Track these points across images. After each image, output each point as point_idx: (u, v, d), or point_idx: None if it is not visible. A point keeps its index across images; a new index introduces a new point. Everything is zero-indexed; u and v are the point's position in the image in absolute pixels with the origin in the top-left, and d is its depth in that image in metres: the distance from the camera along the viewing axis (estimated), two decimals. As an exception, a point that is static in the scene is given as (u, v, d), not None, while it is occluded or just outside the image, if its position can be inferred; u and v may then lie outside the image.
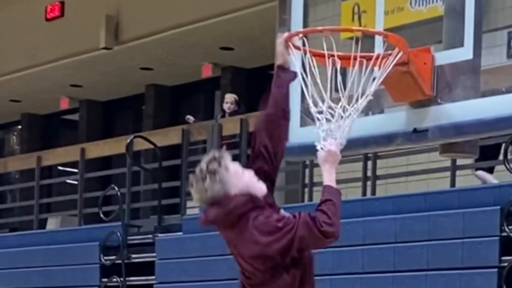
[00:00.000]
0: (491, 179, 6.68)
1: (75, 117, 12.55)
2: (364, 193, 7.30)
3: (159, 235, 8.20)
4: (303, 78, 3.25)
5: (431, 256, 6.19)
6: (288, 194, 8.29)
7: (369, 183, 7.28)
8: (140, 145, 8.92)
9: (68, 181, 11.05)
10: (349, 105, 3.18)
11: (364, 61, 3.25)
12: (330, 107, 3.16)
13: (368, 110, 3.74)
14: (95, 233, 8.59)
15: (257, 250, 2.84)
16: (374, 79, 3.31)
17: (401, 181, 7.68)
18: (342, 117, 3.14)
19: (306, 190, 7.72)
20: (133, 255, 8.33)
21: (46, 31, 10.96)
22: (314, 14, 4.16)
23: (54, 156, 10.19)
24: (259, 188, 2.93)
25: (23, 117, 13.11)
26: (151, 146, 8.80)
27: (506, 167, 6.20)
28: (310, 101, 3.22)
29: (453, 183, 6.75)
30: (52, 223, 10.30)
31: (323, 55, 3.24)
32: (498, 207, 5.98)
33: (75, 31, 10.57)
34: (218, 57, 10.48)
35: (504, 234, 5.94)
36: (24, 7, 11.21)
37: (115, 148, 9.31)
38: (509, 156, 6.31)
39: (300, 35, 3.32)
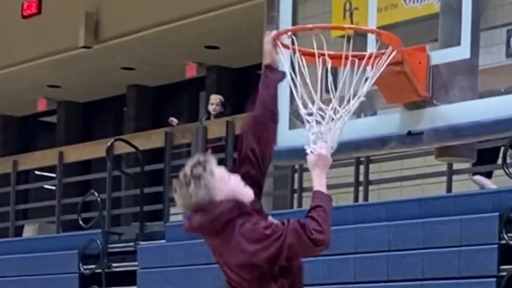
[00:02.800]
0: (489, 184, 6.66)
1: (53, 119, 12.53)
2: (356, 199, 7.27)
3: (141, 243, 8.17)
4: (292, 78, 3.20)
5: (426, 265, 6.17)
6: (276, 200, 8.28)
7: (361, 188, 7.25)
8: (121, 148, 8.87)
9: (46, 186, 11.01)
10: (340, 106, 3.12)
11: (356, 60, 3.19)
12: (320, 109, 3.09)
13: (360, 111, 3.71)
14: (74, 241, 8.56)
15: (244, 258, 2.78)
16: (366, 79, 3.25)
17: (395, 186, 7.70)
18: (333, 119, 3.07)
19: (295, 196, 7.71)
20: (114, 264, 8.32)
21: (23, 29, 10.92)
22: (304, 11, 4.12)
23: (31, 160, 10.12)
24: (246, 193, 2.85)
25: (-3, 119, 12.94)
26: (133, 150, 8.76)
27: (505, 172, 6.19)
28: (299, 103, 3.17)
29: (449, 189, 6.72)
30: (29, 231, 10.28)
31: (313, 54, 3.17)
32: (497, 214, 5.96)
33: (53, 29, 10.53)
34: (202, 57, 10.39)
35: (503, 241, 5.94)
36: (-1, 3, 11.01)
37: (95, 151, 9.23)
38: (508, 160, 6.32)
39: (289, 33, 3.27)
